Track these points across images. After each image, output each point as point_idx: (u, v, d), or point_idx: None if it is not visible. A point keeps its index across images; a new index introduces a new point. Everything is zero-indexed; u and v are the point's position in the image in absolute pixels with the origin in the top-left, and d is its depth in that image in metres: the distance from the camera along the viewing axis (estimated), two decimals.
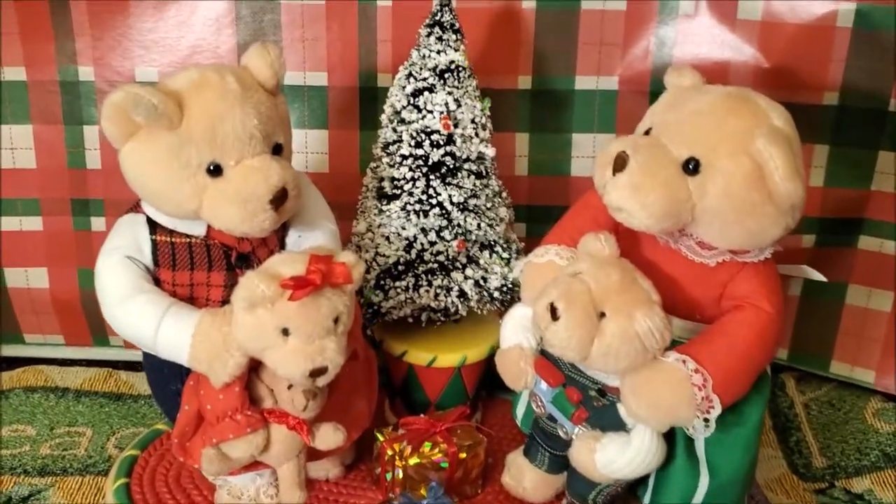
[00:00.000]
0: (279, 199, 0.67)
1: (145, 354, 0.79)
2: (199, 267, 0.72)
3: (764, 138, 0.62)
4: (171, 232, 0.72)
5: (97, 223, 1.01)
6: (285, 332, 0.65)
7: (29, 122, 0.98)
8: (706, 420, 0.65)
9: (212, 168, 0.67)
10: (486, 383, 0.90)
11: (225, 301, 0.73)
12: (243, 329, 0.66)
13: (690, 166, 0.63)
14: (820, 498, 0.94)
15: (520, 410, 0.83)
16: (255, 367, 0.71)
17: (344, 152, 0.99)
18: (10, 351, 1.10)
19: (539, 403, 0.73)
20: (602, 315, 0.64)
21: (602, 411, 0.69)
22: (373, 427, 0.80)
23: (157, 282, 0.72)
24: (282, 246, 0.76)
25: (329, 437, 0.72)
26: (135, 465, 0.83)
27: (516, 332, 0.73)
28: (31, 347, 1.10)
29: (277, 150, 0.70)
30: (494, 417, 0.90)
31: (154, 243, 0.72)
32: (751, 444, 0.70)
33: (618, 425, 0.68)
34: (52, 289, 1.04)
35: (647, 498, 0.75)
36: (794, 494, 0.95)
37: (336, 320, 0.66)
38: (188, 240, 0.72)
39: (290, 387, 0.69)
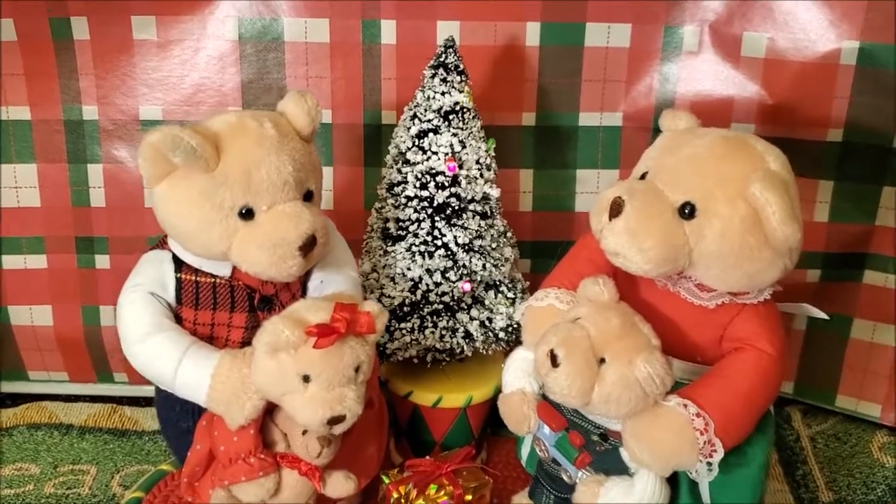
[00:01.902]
0: (308, 245, 0.68)
1: (158, 390, 0.79)
2: (221, 307, 0.73)
3: (760, 183, 0.62)
4: (197, 271, 0.72)
5: (101, 261, 1.01)
6: (306, 378, 0.65)
7: (33, 160, 0.98)
8: (709, 464, 0.65)
9: (244, 212, 0.68)
10: (491, 422, 0.90)
11: (244, 342, 0.73)
12: (264, 373, 0.66)
13: (686, 211, 0.64)
14: None
15: (524, 451, 0.83)
16: (269, 410, 0.71)
17: (348, 189, 0.99)
18: (14, 387, 1.10)
19: (543, 448, 0.73)
20: (602, 361, 0.64)
21: (605, 455, 0.68)
22: (379, 469, 0.80)
23: (179, 319, 0.73)
24: (304, 290, 0.76)
25: (340, 485, 0.72)
26: None
27: (518, 376, 0.73)
28: (35, 384, 1.10)
29: (308, 196, 0.71)
30: (499, 456, 0.90)
31: (179, 281, 0.72)
32: (756, 484, 0.70)
33: (621, 469, 0.68)
34: (56, 326, 1.04)
35: None
36: None
37: (357, 369, 0.66)
38: (213, 280, 0.72)
39: (304, 432, 0.69)
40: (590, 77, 0.97)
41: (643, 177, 0.68)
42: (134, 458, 1.01)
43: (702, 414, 0.64)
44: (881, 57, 0.89)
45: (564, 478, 0.72)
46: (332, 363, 0.65)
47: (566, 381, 0.64)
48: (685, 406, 0.65)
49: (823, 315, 0.74)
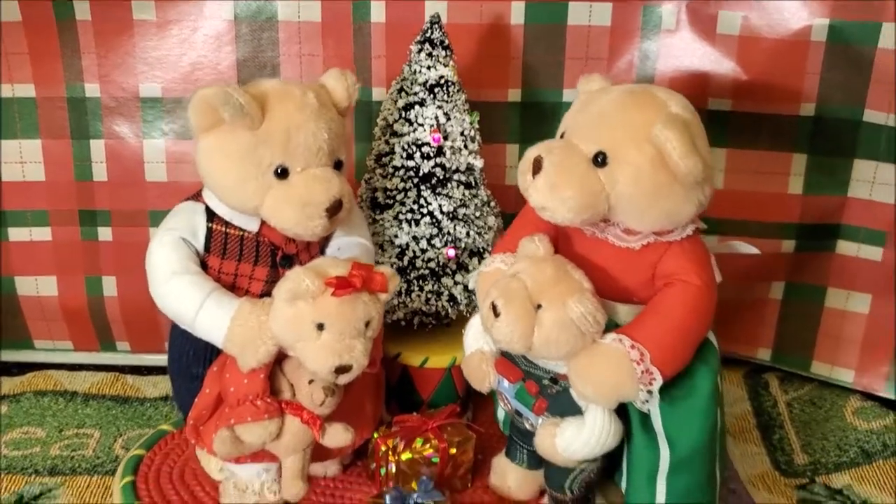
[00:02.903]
0: (335, 208, 0.73)
1: (171, 336, 0.84)
2: (246, 259, 0.77)
3: (661, 124, 0.67)
4: (227, 223, 0.77)
5: (104, 233, 1.05)
6: (320, 326, 0.70)
7: (38, 136, 1.02)
8: (650, 392, 0.69)
9: (279, 171, 0.72)
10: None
11: (263, 295, 0.78)
12: (282, 319, 0.71)
13: (599, 159, 0.69)
14: (801, 493, 0.98)
15: (500, 414, 0.88)
16: (279, 361, 0.76)
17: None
18: (21, 356, 1.14)
19: (505, 401, 0.77)
20: (539, 307, 0.69)
21: (558, 398, 0.73)
22: (374, 429, 0.84)
23: (205, 267, 0.77)
24: (322, 254, 0.81)
25: (338, 435, 0.76)
26: (140, 464, 0.86)
27: (477, 338, 0.78)
28: (40, 353, 1.14)
29: (338, 165, 0.76)
30: (484, 417, 0.93)
31: (209, 231, 0.77)
32: (706, 413, 0.74)
33: (575, 410, 0.72)
34: (60, 296, 1.08)
35: (623, 483, 0.79)
36: (775, 490, 0.98)
37: (367, 324, 0.71)
38: (241, 233, 0.77)
39: (310, 382, 0.74)
40: (573, 55, 1.00)
41: (562, 137, 0.73)
42: (136, 422, 1.06)
43: (636, 346, 0.69)
44: (850, 34, 0.93)
45: (527, 426, 0.76)
46: (346, 314, 0.70)
47: (508, 329, 0.69)
48: (620, 340, 0.69)
49: (755, 250, 0.78)
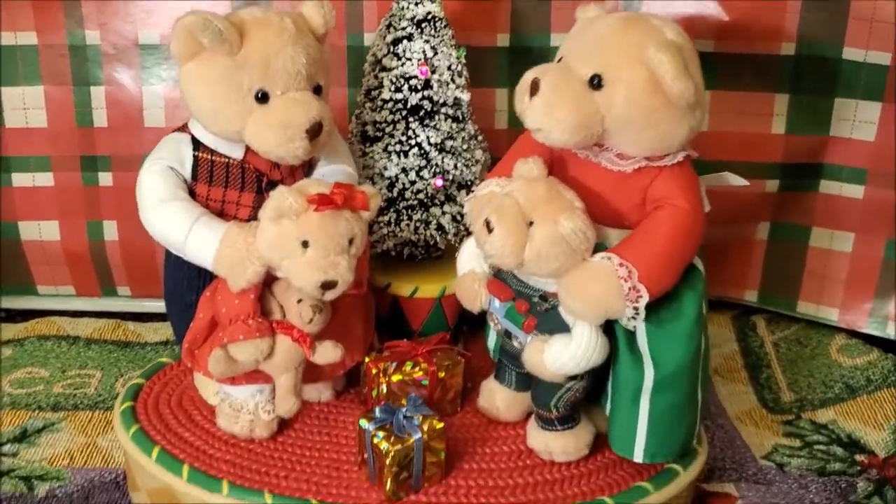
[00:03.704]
0: (315, 130, 0.75)
1: (166, 268, 0.86)
2: (232, 186, 0.80)
3: (655, 48, 0.69)
4: (213, 151, 0.80)
5: (104, 178, 1.08)
6: (305, 244, 0.72)
7: (40, 83, 1.05)
8: (636, 309, 0.72)
9: (260, 95, 0.75)
10: (468, 320, 0.96)
11: (251, 220, 0.80)
12: (267, 238, 0.73)
13: (595, 82, 0.71)
14: (786, 428, 1.00)
15: (490, 342, 0.90)
16: (268, 283, 0.78)
17: (333, 109, 1.05)
18: (24, 303, 1.17)
19: (496, 321, 0.79)
20: (531, 224, 0.71)
21: (546, 316, 0.75)
22: (365, 354, 0.87)
23: (193, 195, 0.80)
24: None
25: (328, 352, 0.78)
26: (140, 392, 0.89)
27: (470, 260, 0.80)
28: (43, 300, 1.17)
29: (318, 90, 0.78)
30: (474, 348, 0.95)
31: (196, 159, 0.79)
32: (690, 336, 0.76)
33: (563, 327, 0.75)
34: (63, 241, 1.11)
35: (608, 405, 0.81)
36: (762, 425, 1.01)
37: (350, 242, 0.73)
38: (226, 160, 0.80)
39: (299, 301, 0.76)
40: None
41: (559, 62, 0.75)
42: (137, 364, 1.09)
43: (624, 263, 0.71)
44: None
45: (516, 345, 0.79)
46: (329, 231, 0.72)
47: (500, 243, 0.71)
48: (609, 258, 0.72)
49: (743, 182, 0.80)
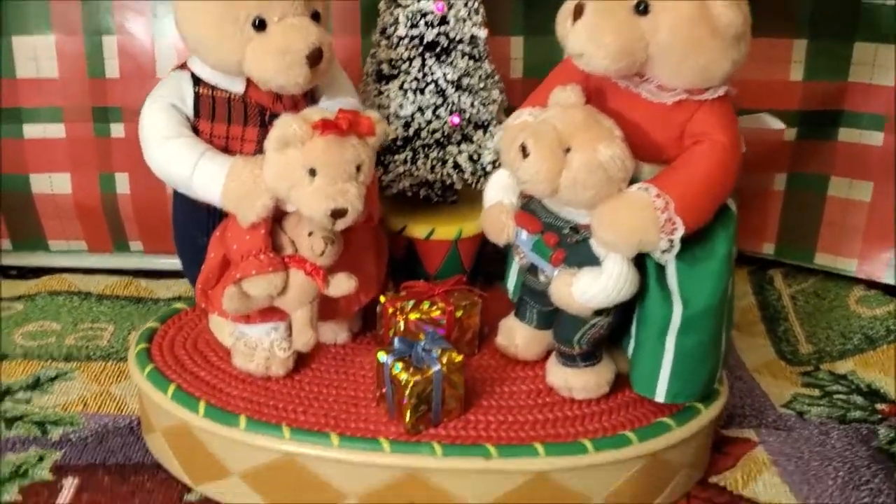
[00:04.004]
0: (315, 56, 0.74)
1: (175, 211, 0.85)
2: (235, 121, 0.79)
3: None
4: (213, 87, 0.78)
5: (116, 129, 1.07)
6: (312, 172, 0.71)
7: (51, 32, 1.04)
8: (671, 241, 0.70)
9: (257, 23, 0.73)
10: (484, 268, 0.96)
11: (256, 155, 0.78)
12: (274, 168, 0.72)
13: (640, 7, 0.69)
14: (805, 379, 0.99)
15: (510, 283, 0.89)
16: (278, 219, 0.77)
17: (346, 60, 1.04)
18: (35, 260, 1.17)
19: (521, 254, 0.78)
20: (568, 150, 0.70)
21: (576, 248, 0.74)
22: (379, 290, 0.86)
23: (196, 132, 0.78)
24: None
25: (342, 284, 0.77)
26: (154, 335, 0.88)
27: (497, 191, 0.79)
28: (55, 257, 1.16)
29: (316, 17, 0.77)
30: (491, 300, 0.94)
31: (196, 95, 0.78)
32: (720, 275, 0.75)
33: (592, 260, 0.73)
34: (74, 194, 1.10)
35: (630, 347, 0.80)
36: (780, 377, 1.00)
37: (358, 168, 0.72)
38: (228, 95, 0.79)
39: (310, 234, 0.75)
40: None
41: None
42: (150, 318, 1.07)
43: (661, 195, 0.70)
44: None
45: (542, 279, 0.78)
46: (335, 157, 0.71)
47: (535, 168, 0.69)
48: (646, 189, 0.70)
49: (781, 125, 0.79)
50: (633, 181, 0.72)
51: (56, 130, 1.07)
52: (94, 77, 1.05)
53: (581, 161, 0.69)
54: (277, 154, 0.72)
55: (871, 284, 1.11)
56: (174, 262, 1.14)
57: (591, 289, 0.72)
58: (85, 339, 1.04)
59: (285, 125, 0.71)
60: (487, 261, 1.00)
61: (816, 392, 0.97)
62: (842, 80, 1.02)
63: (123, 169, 1.09)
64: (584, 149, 0.69)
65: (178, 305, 0.94)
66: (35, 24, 1.03)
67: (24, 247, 1.15)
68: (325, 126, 0.71)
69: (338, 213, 0.72)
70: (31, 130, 1.07)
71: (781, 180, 1.10)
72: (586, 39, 0.69)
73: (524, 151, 0.70)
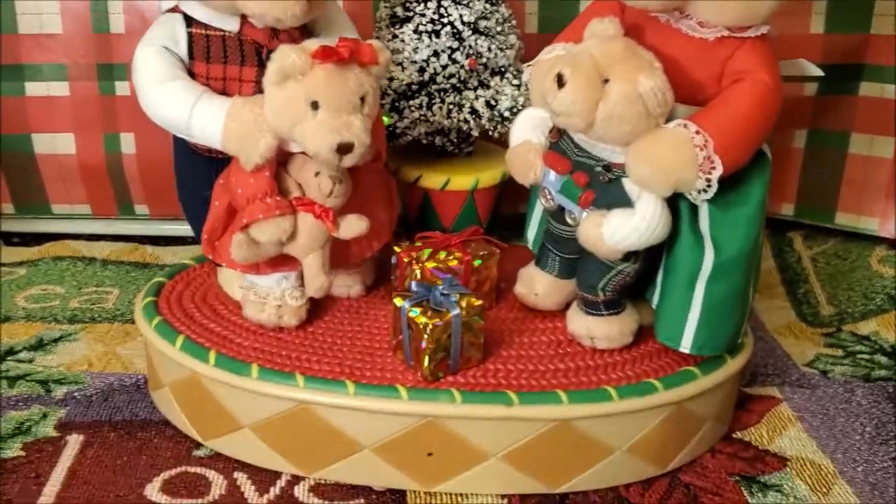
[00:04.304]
0: None
1: (176, 163, 0.83)
2: (231, 61, 0.76)
3: None
4: (206, 26, 0.76)
5: (121, 87, 1.05)
6: (314, 105, 0.68)
7: None
8: (708, 181, 0.68)
9: None
10: (499, 224, 0.93)
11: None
12: (274, 104, 0.69)
13: None
14: (828, 340, 0.97)
15: (530, 233, 0.86)
16: (283, 163, 0.75)
17: (357, 19, 1.00)
18: (38, 227, 1.14)
19: (548, 196, 0.75)
20: (606, 81, 0.67)
21: (608, 188, 0.71)
22: (392, 249, 0.83)
23: (192, 75, 0.76)
24: None
25: (352, 225, 0.74)
26: (162, 289, 0.86)
27: (525, 130, 0.76)
28: (58, 222, 1.14)
29: None
30: (507, 257, 0.92)
31: (190, 36, 0.75)
32: (753, 222, 0.72)
33: (624, 202, 0.70)
34: (78, 155, 1.08)
35: (655, 299, 0.78)
36: (802, 337, 0.97)
37: (362, 100, 0.69)
38: (222, 34, 0.76)
39: (316, 175, 0.73)
40: None
41: None
42: None
43: (700, 132, 0.67)
44: None
45: (569, 220, 0.75)
46: (337, 88, 0.68)
47: (571, 98, 0.66)
48: (685, 126, 0.68)
49: (818, 71, 0.76)
50: (667, 121, 0.69)
51: (60, 88, 1.05)
52: (98, 32, 1.03)
53: (620, 92, 0.66)
54: (277, 88, 0.69)
55: (893, 243, 1.09)
56: (180, 228, 1.13)
57: (622, 229, 0.70)
58: (90, 301, 1.01)
59: (283, 56, 0.68)
60: (502, 221, 0.98)
61: (839, 352, 0.95)
62: (863, 32, 1.00)
63: (129, 129, 1.06)
64: (624, 80, 0.66)
65: (187, 261, 0.91)
66: None
67: (26, 210, 1.12)
68: (326, 54, 0.67)
69: (344, 148, 0.68)
70: (34, 88, 1.05)
71: (801, 137, 1.07)
72: None
73: (560, 81, 0.67)
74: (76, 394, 0.84)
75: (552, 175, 0.74)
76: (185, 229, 1.11)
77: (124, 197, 1.11)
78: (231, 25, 0.76)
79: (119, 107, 1.05)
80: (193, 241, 1.09)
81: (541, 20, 1.03)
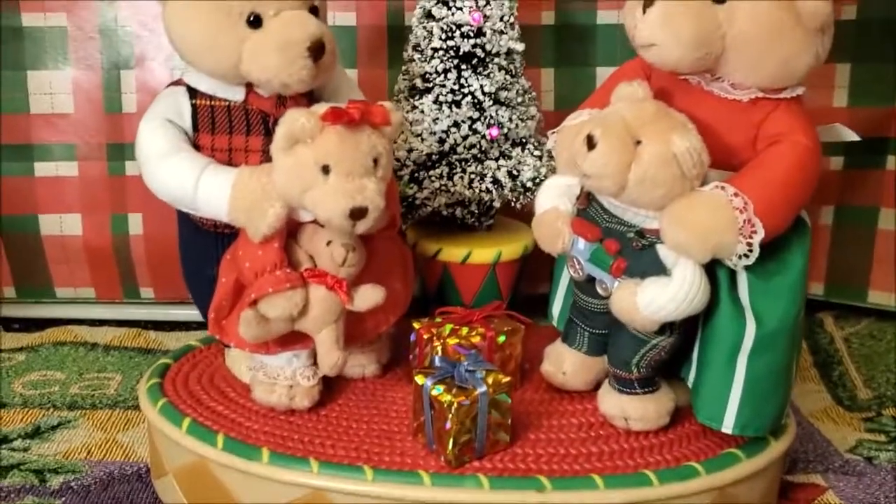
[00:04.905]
0: (317, 49, 0.69)
1: (181, 242, 0.80)
2: (237, 131, 0.74)
3: None
4: (211, 97, 0.74)
5: (131, 167, 1.03)
6: (325, 169, 0.65)
7: (68, 66, 1.01)
8: (749, 245, 0.64)
9: (252, 19, 0.69)
10: (520, 304, 0.89)
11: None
12: (283, 171, 0.66)
13: None
14: (868, 425, 0.92)
15: (555, 309, 0.82)
16: (293, 233, 0.71)
17: (373, 92, 1.00)
18: (41, 312, 1.10)
19: (577, 267, 0.72)
20: (638, 143, 0.64)
21: (640, 256, 0.67)
22: (409, 326, 0.79)
23: (197, 148, 0.74)
24: None
25: (368, 295, 0.70)
26: (167, 371, 0.81)
27: (552, 197, 0.73)
28: (60, 308, 1.10)
29: (314, 11, 0.72)
30: (531, 336, 0.87)
31: (194, 108, 0.74)
32: (795, 291, 0.69)
33: (657, 270, 0.67)
34: (84, 236, 1.05)
35: (691, 376, 0.73)
36: (841, 423, 0.92)
37: (375, 162, 0.66)
38: (227, 104, 0.74)
39: (328, 244, 0.69)
40: None
41: None
42: None
43: (740, 194, 0.64)
44: None
45: (600, 291, 0.71)
46: (349, 151, 0.65)
47: (602, 160, 0.64)
48: (723, 188, 0.64)
49: (855, 136, 0.74)
50: (701, 185, 0.66)
51: (69, 168, 1.03)
52: (110, 113, 1.01)
53: (653, 153, 0.63)
54: (286, 155, 0.66)
55: None
56: (185, 313, 1.09)
57: (659, 298, 0.66)
58: (91, 388, 0.96)
59: (292, 120, 0.65)
60: (523, 300, 0.94)
61: (882, 437, 0.89)
62: (889, 106, 0.98)
63: (137, 209, 1.04)
64: (657, 140, 0.63)
65: (193, 342, 0.87)
66: (52, 58, 1.00)
67: (29, 294, 1.09)
68: (336, 115, 0.65)
69: (357, 213, 0.65)
70: (43, 168, 1.03)
71: (828, 214, 1.04)
72: (659, 27, 0.64)
73: (590, 143, 0.64)
74: (73, 483, 0.79)
75: (581, 243, 0.71)
76: (190, 314, 1.07)
77: (130, 279, 1.07)
78: (236, 95, 0.74)
79: (128, 186, 1.03)
80: (199, 326, 1.06)
81: (557, 97, 1.02)
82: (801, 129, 0.67)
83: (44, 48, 1.00)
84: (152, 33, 1.00)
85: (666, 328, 0.69)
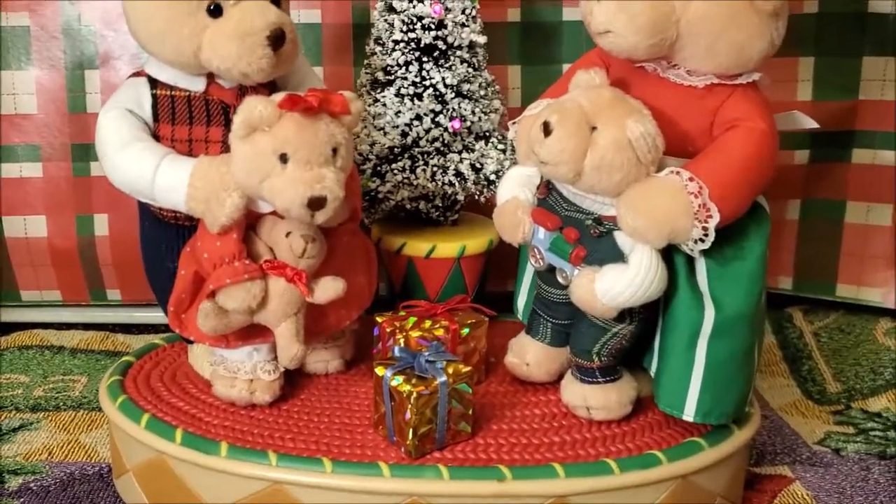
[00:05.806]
0: (277, 37, 0.68)
1: (142, 235, 0.79)
2: (197, 121, 0.73)
3: None
4: (172, 87, 0.73)
5: (96, 168, 1.02)
6: (283, 157, 0.64)
7: (31, 67, 1.00)
8: (705, 230, 0.64)
9: (212, 7, 0.69)
10: (486, 301, 0.89)
11: None
12: (241, 159, 0.65)
13: None
14: (837, 418, 0.92)
15: (520, 302, 0.82)
16: (253, 225, 0.71)
17: (338, 88, 0.99)
18: (6, 316, 1.09)
19: (538, 256, 0.72)
20: (594, 129, 0.64)
21: (598, 243, 0.67)
22: (374, 322, 0.79)
23: (157, 138, 0.73)
24: None
25: (328, 287, 0.70)
26: (129, 368, 0.80)
27: (512, 188, 0.73)
28: (27, 311, 1.09)
29: (275, 1, 0.72)
30: (496, 330, 0.87)
31: (154, 97, 0.73)
32: (755, 278, 0.68)
33: (616, 257, 0.67)
34: (49, 238, 1.04)
35: (653, 366, 0.73)
36: (810, 416, 0.92)
37: (335, 152, 0.66)
38: (187, 94, 0.73)
39: (288, 234, 0.68)
40: None
41: None
42: None
43: (695, 179, 0.64)
44: None
45: (560, 279, 0.71)
46: (308, 139, 0.64)
47: (558, 146, 0.63)
48: (678, 173, 0.64)
49: (813, 123, 0.74)
50: (657, 171, 0.66)
51: (33, 169, 1.02)
52: (74, 112, 1.01)
53: (608, 138, 0.63)
54: (244, 143, 0.65)
55: None
56: (153, 315, 1.08)
57: (617, 284, 0.65)
58: (55, 390, 0.95)
59: (249, 107, 0.64)
60: (489, 298, 0.93)
61: (851, 430, 0.90)
62: (852, 99, 0.98)
63: (102, 210, 1.03)
64: (612, 125, 0.63)
65: (157, 341, 0.86)
66: (14, 57, 0.99)
67: None
68: (293, 102, 0.64)
69: (316, 202, 0.64)
70: (7, 170, 1.02)
71: (795, 208, 1.04)
72: (614, 14, 0.64)
73: (546, 129, 0.64)
74: (32, 484, 0.78)
75: (541, 233, 0.71)
76: (157, 316, 1.06)
77: (96, 281, 1.06)
78: (197, 85, 0.73)
79: (94, 187, 1.02)
80: (167, 329, 1.05)
81: (524, 94, 1.02)
82: (758, 114, 0.67)
83: (6, 48, 0.99)
84: (116, 32, 0.99)
85: (626, 315, 0.69)
